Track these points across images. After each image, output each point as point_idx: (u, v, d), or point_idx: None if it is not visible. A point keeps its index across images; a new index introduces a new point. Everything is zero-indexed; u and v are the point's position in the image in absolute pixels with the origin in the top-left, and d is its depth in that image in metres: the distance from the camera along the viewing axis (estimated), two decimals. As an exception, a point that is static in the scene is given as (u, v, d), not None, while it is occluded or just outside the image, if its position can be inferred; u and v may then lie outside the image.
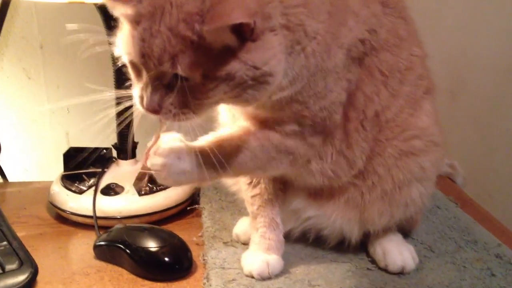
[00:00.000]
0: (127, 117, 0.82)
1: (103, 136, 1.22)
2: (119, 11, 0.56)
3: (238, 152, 0.65)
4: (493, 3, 1.30)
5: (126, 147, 0.96)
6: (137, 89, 0.59)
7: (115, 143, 0.98)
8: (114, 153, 1.00)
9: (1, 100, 1.22)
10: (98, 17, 0.86)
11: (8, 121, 1.23)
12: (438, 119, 0.76)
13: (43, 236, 0.86)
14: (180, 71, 0.53)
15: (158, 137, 0.65)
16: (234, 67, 0.53)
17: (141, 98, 0.58)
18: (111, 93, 0.65)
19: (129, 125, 0.95)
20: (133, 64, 0.58)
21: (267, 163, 0.67)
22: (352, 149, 0.69)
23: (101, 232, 0.82)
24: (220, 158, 0.61)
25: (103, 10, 0.83)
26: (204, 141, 0.65)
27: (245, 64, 0.54)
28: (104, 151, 0.99)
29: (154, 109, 0.57)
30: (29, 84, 1.24)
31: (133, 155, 0.98)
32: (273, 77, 0.56)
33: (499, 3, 1.30)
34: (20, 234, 0.77)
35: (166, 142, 0.64)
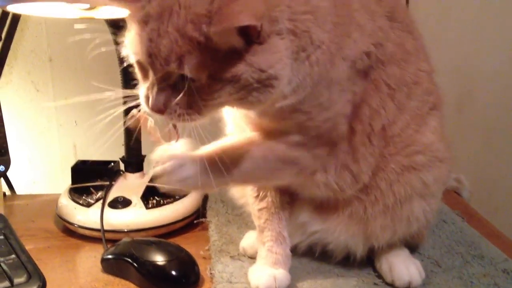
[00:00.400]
0: (135, 130, 0.84)
1: (110, 149, 1.24)
2: (128, 11, 0.57)
3: (242, 161, 0.65)
4: (498, 17, 1.31)
5: (133, 160, 0.97)
6: (143, 89, 0.59)
7: (123, 156, 0.99)
8: (122, 166, 1.00)
9: (10, 112, 1.23)
10: (107, 31, 0.87)
11: (16, 133, 1.24)
12: (444, 135, 0.76)
13: (51, 249, 0.87)
14: (186, 71, 0.53)
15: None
16: (240, 69, 0.54)
17: (147, 98, 0.58)
18: (118, 95, 0.65)
19: (137, 138, 0.96)
20: (140, 64, 0.59)
21: (271, 174, 0.68)
22: (359, 164, 0.69)
23: (108, 246, 0.82)
24: (226, 165, 0.62)
25: (113, 25, 0.84)
26: (210, 148, 0.65)
27: (251, 66, 0.54)
28: (112, 164, 1.00)
29: (159, 108, 0.57)
30: (38, 96, 1.25)
31: (141, 168, 0.99)
32: (278, 81, 0.56)
33: (504, 17, 1.31)
34: (28, 247, 0.77)
35: (169, 150, 0.64)
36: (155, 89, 0.57)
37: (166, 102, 0.56)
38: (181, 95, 0.55)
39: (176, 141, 0.67)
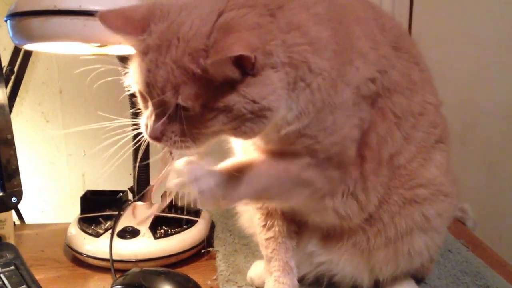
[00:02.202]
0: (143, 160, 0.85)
1: (118, 178, 1.26)
2: (131, 43, 0.59)
3: (258, 178, 0.65)
4: (501, 51, 1.34)
5: (142, 190, 0.99)
6: (143, 118, 0.61)
7: (131, 186, 1.00)
8: (130, 196, 1.02)
9: (20, 142, 1.25)
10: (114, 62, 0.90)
11: (26, 163, 1.26)
12: (450, 170, 0.76)
13: (61, 279, 0.88)
14: (180, 101, 0.55)
15: (163, 175, 0.66)
16: (233, 99, 0.55)
17: (146, 126, 0.60)
18: (123, 122, 0.66)
19: (145, 169, 0.98)
20: (141, 93, 0.61)
21: (285, 193, 0.68)
22: (368, 193, 0.69)
23: (117, 276, 0.83)
24: (243, 181, 0.62)
25: (124, 61, 0.87)
26: (226, 164, 0.66)
27: (244, 97, 0.55)
28: (120, 194, 1.02)
29: (156, 136, 0.59)
30: (47, 127, 1.28)
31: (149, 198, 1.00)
32: (272, 112, 0.57)
33: (507, 51, 1.34)
34: (38, 276, 0.78)
35: (188, 163, 0.63)
36: (153, 117, 0.58)
37: (162, 130, 0.58)
38: (176, 123, 0.57)
39: (170, 166, 0.66)
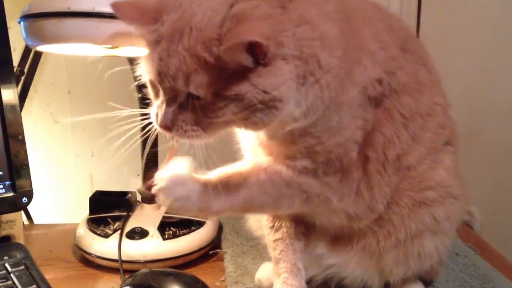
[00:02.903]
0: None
1: (125, 179, 1.26)
2: (142, 33, 0.60)
3: (246, 186, 0.65)
4: (507, 53, 1.34)
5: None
6: (154, 107, 0.61)
7: (140, 187, 1.00)
8: (138, 197, 1.02)
9: (28, 143, 1.26)
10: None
11: (34, 164, 1.26)
12: (458, 173, 0.76)
13: (69, 279, 0.88)
14: (192, 89, 0.55)
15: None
16: (244, 88, 0.55)
17: (157, 115, 0.60)
18: (131, 112, 0.66)
19: (153, 163, 0.98)
20: (152, 83, 0.61)
21: (277, 200, 0.67)
22: (373, 192, 0.69)
23: (126, 276, 0.83)
24: (230, 190, 0.63)
25: (133, 62, 0.87)
26: (215, 173, 0.66)
27: (255, 87, 0.55)
28: (129, 194, 1.02)
29: (167, 125, 0.59)
30: (56, 128, 1.29)
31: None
32: (282, 103, 0.57)
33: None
34: (47, 276, 0.78)
35: (170, 169, 0.64)
36: (164, 106, 0.59)
37: (173, 119, 0.58)
38: (187, 112, 0.58)
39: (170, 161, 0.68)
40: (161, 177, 0.62)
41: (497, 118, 1.35)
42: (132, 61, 0.88)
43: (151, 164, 0.97)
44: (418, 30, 1.29)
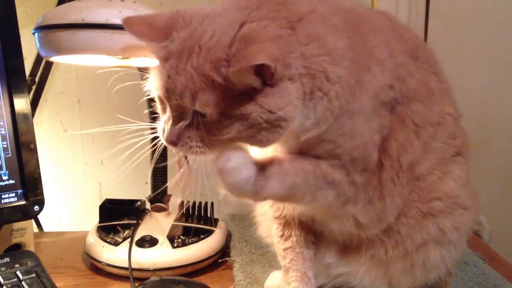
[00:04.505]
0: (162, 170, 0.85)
1: (134, 188, 1.27)
2: (153, 49, 0.60)
3: (294, 173, 0.64)
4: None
5: (160, 199, 1.00)
6: (161, 123, 0.62)
7: (149, 195, 1.01)
8: (148, 205, 1.03)
9: (39, 152, 1.28)
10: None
11: (44, 172, 1.27)
12: (469, 184, 0.76)
13: (79, 287, 0.89)
14: (198, 107, 0.56)
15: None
16: (250, 108, 0.55)
17: (163, 130, 0.61)
18: (141, 125, 0.67)
19: (163, 178, 0.99)
20: (160, 98, 0.62)
21: (317, 191, 0.66)
22: (384, 201, 0.69)
23: (136, 284, 0.84)
24: (275, 176, 0.62)
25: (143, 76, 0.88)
26: (262, 157, 0.64)
27: (261, 107, 0.55)
28: (139, 203, 1.03)
29: (172, 141, 0.59)
30: (65, 136, 1.30)
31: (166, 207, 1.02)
32: (287, 122, 0.57)
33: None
34: (57, 284, 0.79)
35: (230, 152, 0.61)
36: (170, 122, 0.59)
37: (179, 135, 0.59)
38: (192, 129, 0.58)
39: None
40: (225, 158, 0.59)
41: (506, 128, 1.35)
42: (142, 71, 0.90)
43: (159, 174, 0.98)
44: (426, 39, 1.30)
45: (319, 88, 0.59)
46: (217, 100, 0.55)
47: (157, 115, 0.65)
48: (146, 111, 0.74)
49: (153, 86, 0.61)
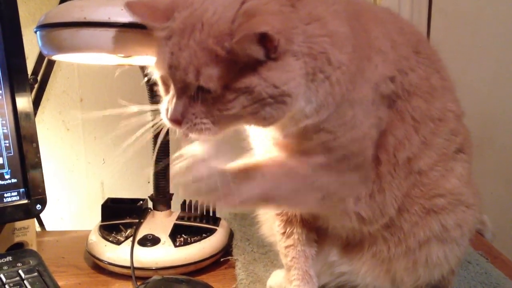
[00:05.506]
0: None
1: (136, 187, 1.27)
2: (155, 31, 0.60)
3: (267, 176, 0.64)
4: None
5: (162, 198, 1.00)
6: (164, 103, 0.62)
7: (152, 195, 1.01)
8: (150, 204, 1.03)
9: (41, 151, 1.28)
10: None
11: (46, 171, 1.28)
12: (472, 182, 0.75)
13: (82, 285, 0.89)
14: (202, 82, 0.56)
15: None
16: (254, 81, 0.55)
17: (167, 110, 0.60)
18: (142, 108, 0.67)
19: (165, 177, 0.99)
20: (162, 79, 0.62)
21: (294, 195, 0.67)
22: (384, 194, 0.69)
23: (138, 283, 0.84)
24: (248, 180, 0.62)
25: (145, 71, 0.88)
26: (232, 164, 0.65)
27: (265, 81, 0.56)
28: (141, 202, 1.03)
29: (177, 118, 0.59)
30: (68, 135, 1.30)
31: (169, 206, 1.01)
32: (291, 98, 0.57)
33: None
34: (59, 283, 0.79)
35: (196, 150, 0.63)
36: (174, 100, 0.59)
37: (183, 112, 0.59)
38: (197, 105, 0.58)
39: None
40: (185, 154, 0.61)
41: (509, 127, 1.35)
42: (144, 69, 0.90)
43: (161, 173, 0.98)
44: (428, 37, 1.29)
45: (321, 70, 0.59)
46: (221, 74, 0.55)
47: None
48: (148, 110, 0.73)
49: (155, 66, 0.61)
